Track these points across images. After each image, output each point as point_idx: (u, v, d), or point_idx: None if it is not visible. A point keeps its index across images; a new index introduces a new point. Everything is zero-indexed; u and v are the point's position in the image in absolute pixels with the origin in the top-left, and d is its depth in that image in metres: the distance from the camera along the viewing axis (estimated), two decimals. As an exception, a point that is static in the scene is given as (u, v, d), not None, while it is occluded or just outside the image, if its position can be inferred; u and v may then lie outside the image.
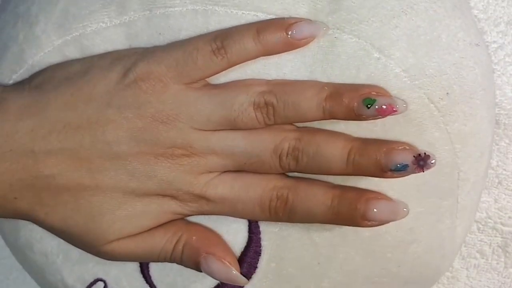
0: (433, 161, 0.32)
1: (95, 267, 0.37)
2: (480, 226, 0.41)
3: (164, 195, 0.34)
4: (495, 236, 0.41)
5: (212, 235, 0.36)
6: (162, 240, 0.35)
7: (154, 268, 0.37)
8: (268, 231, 0.36)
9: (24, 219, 0.35)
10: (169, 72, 0.33)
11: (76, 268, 0.37)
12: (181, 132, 0.33)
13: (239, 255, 0.36)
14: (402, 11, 0.33)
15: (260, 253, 0.36)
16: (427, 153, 0.32)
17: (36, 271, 0.39)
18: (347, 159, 0.33)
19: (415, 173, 0.32)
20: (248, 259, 0.36)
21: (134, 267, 0.37)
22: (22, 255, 0.39)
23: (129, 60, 0.33)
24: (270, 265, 0.36)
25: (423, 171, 0.32)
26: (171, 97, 0.33)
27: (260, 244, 0.36)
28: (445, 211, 0.36)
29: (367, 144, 0.33)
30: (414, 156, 0.32)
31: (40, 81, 0.34)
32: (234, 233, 0.36)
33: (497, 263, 0.42)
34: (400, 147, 0.33)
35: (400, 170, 0.32)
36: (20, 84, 0.35)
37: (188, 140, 0.33)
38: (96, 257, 0.36)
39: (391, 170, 0.32)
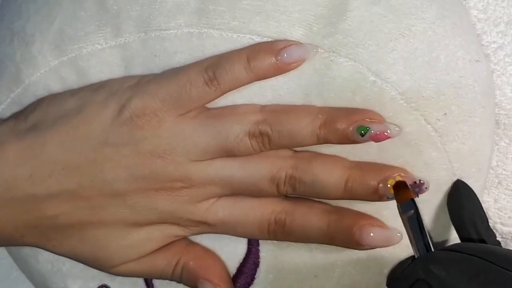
0: (426, 187, 0.33)
1: (101, 273, 0.38)
2: (481, 225, 0.41)
3: (166, 223, 0.35)
4: (495, 236, 0.42)
5: (209, 259, 0.37)
6: (162, 263, 0.36)
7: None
8: (267, 243, 0.37)
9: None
10: (164, 106, 0.33)
11: (81, 275, 0.39)
12: (179, 166, 0.33)
13: (238, 266, 0.37)
14: (400, 34, 0.33)
15: (259, 265, 0.37)
16: (421, 180, 0.33)
17: (38, 280, 0.40)
18: (344, 187, 0.33)
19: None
20: (247, 270, 0.37)
21: None
22: (25, 263, 0.40)
23: (124, 95, 0.33)
24: (268, 276, 0.37)
25: (417, 197, 0.33)
26: (167, 130, 0.33)
27: (259, 255, 0.37)
28: (442, 227, 0.36)
29: (364, 172, 0.33)
30: (410, 185, 0.33)
31: (36, 119, 0.35)
32: (234, 245, 0.37)
33: (497, 262, 0.43)
34: (396, 174, 0.33)
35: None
36: (17, 122, 0.35)
37: (186, 173, 0.33)
38: None
39: (387, 198, 0.33)
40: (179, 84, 0.33)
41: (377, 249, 0.35)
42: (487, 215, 0.40)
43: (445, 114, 0.34)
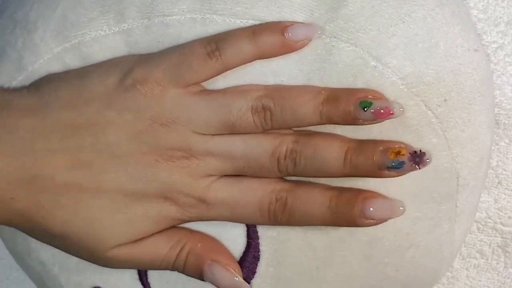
0: (428, 159, 0.33)
1: (93, 276, 0.37)
2: (480, 226, 0.41)
3: (164, 199, 0.34)
4: (495, 236, 0.41)
5: (216, 243, 0.36)
6: (165, 248, 0.35)
7: (152, 276, 0.38)
8: (267, 236, 0.36)
9: (19, 227, 0.35)
10: (166, 76, 0.33)
11: (74, 277, 0.38)
12: (181, 135, 0.33)
13: (238, 260, 0.37)
14: (400, 19, 0.33)
15: (259, 258, 0.36)
16: (422, 150, 0.33)
17: (36, 277, 0.40)
18: (344, 160, 0.33)
19: (412, 170, 0.33)
20: (247, 264, 0.37)
21: (132, 275, 0.38)
22: (21, 260, 0.40)
23: (126, 65, 0.33)
24: (268, 269, 0.37)
25: (419, 168, 0.33)
26: (170, 100, 0.33)
27: (259, 249, 0.36)
28: (443, 215, 0.36)
29: (363, 144, 0.33)
30: (410, 153, 0.33)
31: (39, 84, 0.34)
32: (233, 239, 0.36)
33: (497, 263, 0.42)
34: (396, 146, 0.33)
35: (397, 168, 0.33)
36: (19, 90, 0.35)
37: (187, 142, 0.33)
38: (93, 265, 0.36)
39: (388, 168, 0.32)
40: (181, 54, 0.33)
41: (378, 238, 0.35)
42: (487, 215, 0.41)
43: (445, 100, 0.34)
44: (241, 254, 0.37)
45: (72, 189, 0.33)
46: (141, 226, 0.34)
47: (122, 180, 0.33)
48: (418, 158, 0.33)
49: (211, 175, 0.34)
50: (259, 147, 0.33)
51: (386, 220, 0.34)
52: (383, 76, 0.33)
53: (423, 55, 0.33)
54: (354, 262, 0.36)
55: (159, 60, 0.33)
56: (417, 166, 0.33)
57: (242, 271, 0.36)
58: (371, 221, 0.33)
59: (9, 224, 0.35)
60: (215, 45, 0.33)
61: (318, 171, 0.33)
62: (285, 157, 0.33)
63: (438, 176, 0.35)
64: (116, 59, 0.34)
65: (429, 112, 0.34)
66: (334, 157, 0.33)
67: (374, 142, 0.33)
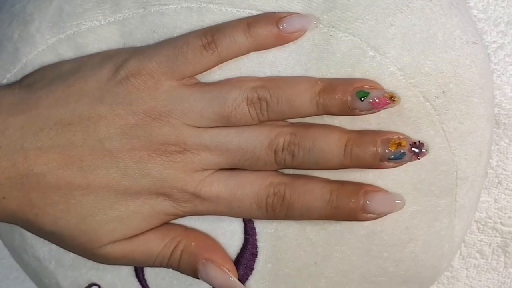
0: (426, 149, 0.33)
1: (89, 272, 0.37)
2: (480, 226, 0.41)
3: (157, 195, 0.33)
4: (495, 236, 0.41)
5: (211, 242, 0.35)
6: (159, 245, 0.34)
7: (149, 272, 0.37)
8: (264, 232, 0.36)
9: (14, 223, 0.35)
10: (160, 68, 0.32)
11: (70, 273, 0.37)
12: (174, 129, 0.32)
13: (235, 257, 0.36)
14: (398, 9, 0.33)
15: (257, 255, 0.36)
16: (421, 141, 0.33)
17: (32, 274, 0.39)
18: (344, 151, 0.32)
19: (411, 161, 0.33)
20: (245, 261, 0.36)
21: (128, 271, 0.37)
22: (19, 256, 0.39)
23: (120, 57, 0.33)
24: (266, 266, 0.36)
25: (419, 159, 0.33)
26: (164, 93, 0.32)
27: (256, 245, 0.36)
28: (442, 210, 0.35)
29: (363, 134, 0.33)
30: (410, 144, 0.32)
31: (31, 80, 0.34)
32: (230, 235, 0.36)
33: (497, 263, 0.42)
34: (395, 136, 0.33)
35: (397, 159, 0.32)
36: (12, 84, 0.35)
37: (181, 136, 0.33)
38: (90, 261, 0.35)
39: (388, 159, 0.32)
40: (176, 46, 0.32)
41: (377, 232, 0.35)
42: (487, 215, 0.40)
43: (443, 92, 0.34)
44: (239, 251, 0.36)
45: (64, 187, 0.33)
46: (134, 222, 0.34)
47: (114, 177, 0.33)
48: (417, 149, 0.33)
49: (206, 169, 0.34)
50: (255, 140, 0.33)
51: (386, 214, 0.33)
52: (381, 66, 0.33)
53: (421, 45, 0.33)
54: (353, 256, 0.35)
55: (154, 52, 0.33)
56: (417, 157, 0.33)
57: (240, 267, 0.36)
58: (372, 215, 0.33)
59: (3, 221, 0.34)
60: (210, 37, 0.32)
61: (317, 163, 0.33)
62: (282, 149, 0.33)
63: (436, 169, 0.34)
64: (110, 51, 0.34)
65: (427, 103, 0.33)
66: (334, 148, 0.32)
67: (374, 133, 0.33)
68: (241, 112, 0.32)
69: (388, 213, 0.33)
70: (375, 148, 0.32)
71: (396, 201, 0.33)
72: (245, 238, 0.36)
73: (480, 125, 0.35)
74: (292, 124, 0.34)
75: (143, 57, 0.33)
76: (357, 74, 0.33)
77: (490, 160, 0.40)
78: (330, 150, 0.32)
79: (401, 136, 0.33)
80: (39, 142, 0.32)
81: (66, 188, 0.33)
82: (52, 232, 0.34)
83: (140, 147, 0.33)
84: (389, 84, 0.33)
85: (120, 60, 0.33)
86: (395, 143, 0.32)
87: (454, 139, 0.34)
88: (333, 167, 0.33)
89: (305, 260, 0.36)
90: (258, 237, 0.36)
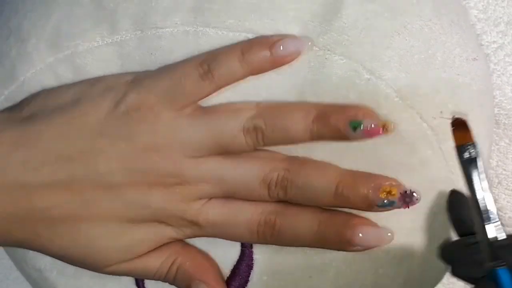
0: (418, 198, 0.33)
1: (90, 281, 0.38)
2: (480, 226, 0.41)
3: (159, 222, 0.34)
4: (495, 236, 0.41)
5: (205, 261, 0.36)
6: (157, 262, 0.35)
7: (149, 282, 0.38)
8: (261, 245, 0.36)
9: (23, 248, 0.36)
10: (159, 101, 0.33)
11: (71, 283, 0.38)
12: (173, 161, 0.33)
13: (232, 268, 0.37)
14: (395, 32, 0.33)
15: (252, 267, 0.37)
16: (412, 190, 0.33)
17: (33, 283, 0.40)
18: (335, 192, 0.33)
19: (401, 208, 0.33)
20: (241, 273, 0.37)
21: (129, 280, 0.38)
22: (20, 266, 0.40)
23: (120, 90, 0.33)
24: (262, 278, 0.37)
25: (408, 207, 0.33)
26: (163, 125, 0.33)
27: (252, 257, 0.36)
28: (439, 226, 0.36)
29: (355, 178, 0.33)
30: (400, 193, 0.33)
31: (32, 110, 0.34)
32: (227, 247, 0.36)
33: (497, 263, 0.42)
34: (387, 183, 0.33)
35: (386, 206, 0.33)
36: (12, 112, 0.35)
37: (180, 168, 0.33)
38: (91, 271, 0.36)
39: (377, 206, 0.33)
40: (174, 78, 0.33)
41: (373, 249, 0.35)
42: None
43: (441, 112, 0.34)
44: (235, 263, 0.37)
45: (69, 220, 0.34)
46: (138, 249, 0.35)
47: (117, 209, 0.34)
48: (408, 198, 0.33)
49: (202, 198, 0.34)
50: (250, 173, 0.34)
51: (373, 247, 0.34)
52: (377, 88, 0.33)
53: (419, 66, 0.33)
54: (348, 272, 0.36)
55: (152, 85, 0.33)
56: (407, 206, 0.33)
57: (236, 279, 0.37)
58: (359, 247, 0.33)
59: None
60: (207, 66, 0.33)
61: (309, 199, 0.34)
62: (276, 184, 0.33)
63: (433, 188, 0.35)
64: (110, 80, 0.34)
65: (424, 124, 0.34)
66: (325, 189, 0.33)
67: (367, 177, 0.33)
68: (238, 142, 0.33)
69: (377, 246, 0.33)
70: (365, 193, 0.33)
71: (385, 235, 0.34)
72: (241, 250, 0.37)
73: (478, 143, 0.35)
74: (288, 159, 0.34)
75: (142, 90, 0.33)
76: (352, 97, 0.33)
77: (490, 160, 0.40)
78: (321, 190, 0.33)
79: (393, 183, 0.33)
80: (41, 177, 0.33)
81: (71, 221, 0.34)
82: (60, 257, 0.35)
83: (140, 179, 0.33)
84: (384, 106, 0.33)
85: (120, 93, 0.33)
86: (386, 191, 0.33)
87: (452, 158, 0.34)
88: (324, 205, 0.34)
89: (300, 273, 0.36)
90: (254, 249, 0.36)
